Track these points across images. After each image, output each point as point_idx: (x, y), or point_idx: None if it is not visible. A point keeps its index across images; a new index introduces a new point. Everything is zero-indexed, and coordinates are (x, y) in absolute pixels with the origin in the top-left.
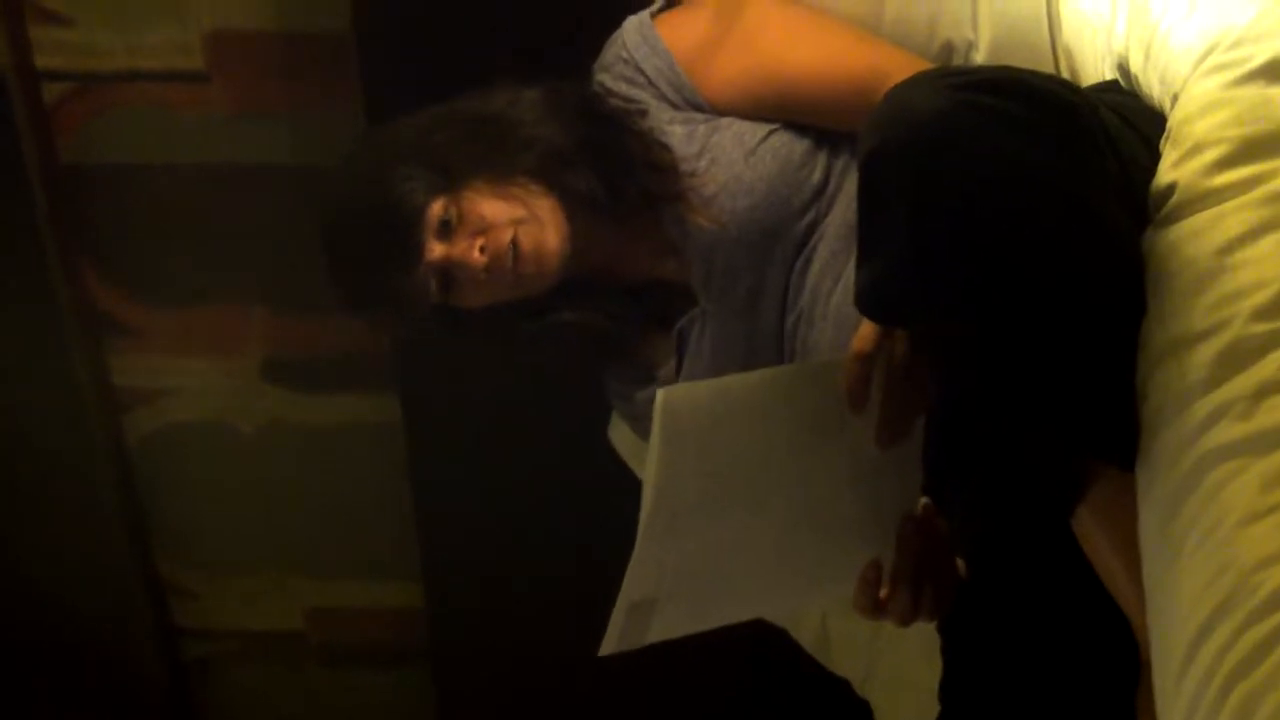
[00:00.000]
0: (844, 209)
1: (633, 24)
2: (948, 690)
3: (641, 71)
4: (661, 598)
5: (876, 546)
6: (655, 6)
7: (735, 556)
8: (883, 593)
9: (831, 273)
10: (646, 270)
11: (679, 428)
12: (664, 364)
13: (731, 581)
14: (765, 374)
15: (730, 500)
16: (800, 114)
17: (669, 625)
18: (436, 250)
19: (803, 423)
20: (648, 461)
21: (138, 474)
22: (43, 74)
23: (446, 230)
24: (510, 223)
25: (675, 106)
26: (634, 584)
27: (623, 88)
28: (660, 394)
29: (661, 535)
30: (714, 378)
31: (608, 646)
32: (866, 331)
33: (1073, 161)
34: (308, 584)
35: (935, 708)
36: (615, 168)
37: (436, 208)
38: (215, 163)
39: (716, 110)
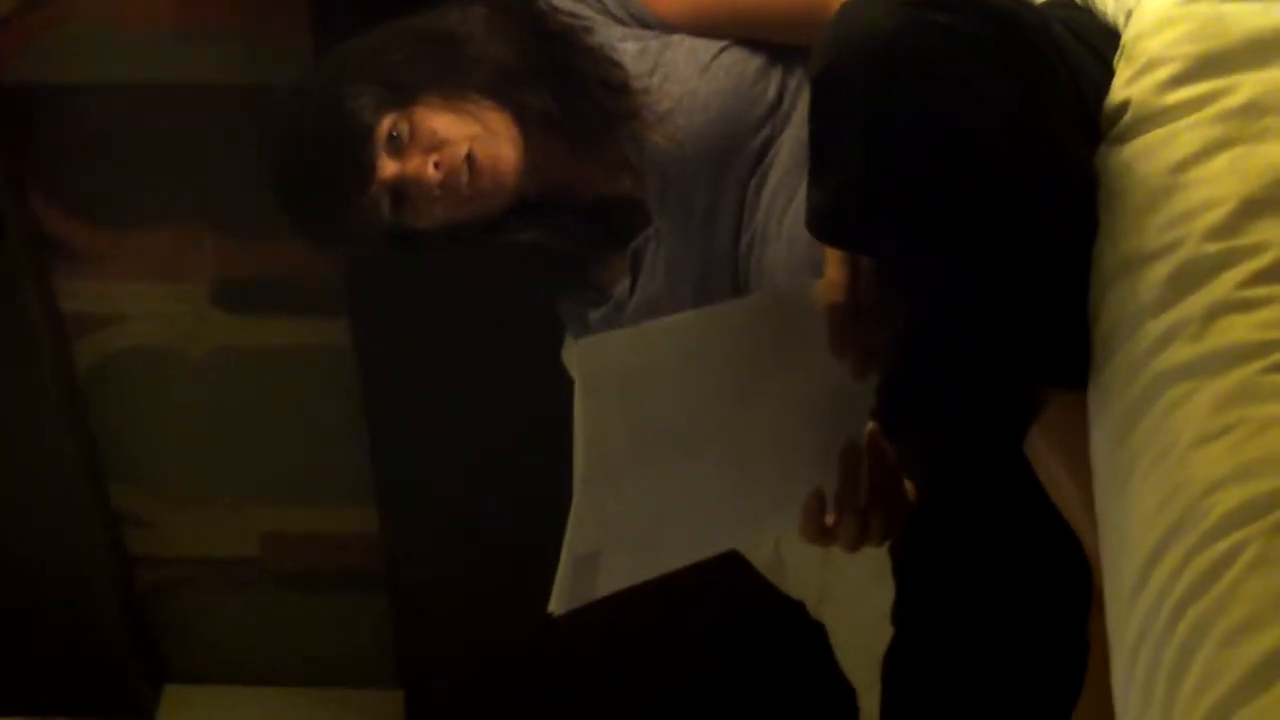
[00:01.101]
0: (798, 126)
1: None
2: (900, 614)
3: None
4: (605, 549)
5: (820, 475)
6: None
7: (677, 500)
8: (829, 519)
9: (785, 190)
10: (601, 188)
11: (600, 377)
12: (618, 283)
13: (676, 525)
14: (689, 316)
15: (664, 446)
16: (753, 31)
17: (617, 576)
18: (389, 168)
19: (732, 364)
20: (575, 414)
21: (88, 401)
22: None
23: (398, 146)
24: (465, 138)
25: (623, 24)
26: (576, 538)
27: (568, 4)
28: (578, 345)
29: (597, 486)
30: (646, 315)
31: (557, 604)
32: (835, 278)
33: (1026, 79)
34: (262, 510)
35: (888, 628)
36: (568, 85)
37: (387, 123)
38: (163, 82)
39: (667, 28)
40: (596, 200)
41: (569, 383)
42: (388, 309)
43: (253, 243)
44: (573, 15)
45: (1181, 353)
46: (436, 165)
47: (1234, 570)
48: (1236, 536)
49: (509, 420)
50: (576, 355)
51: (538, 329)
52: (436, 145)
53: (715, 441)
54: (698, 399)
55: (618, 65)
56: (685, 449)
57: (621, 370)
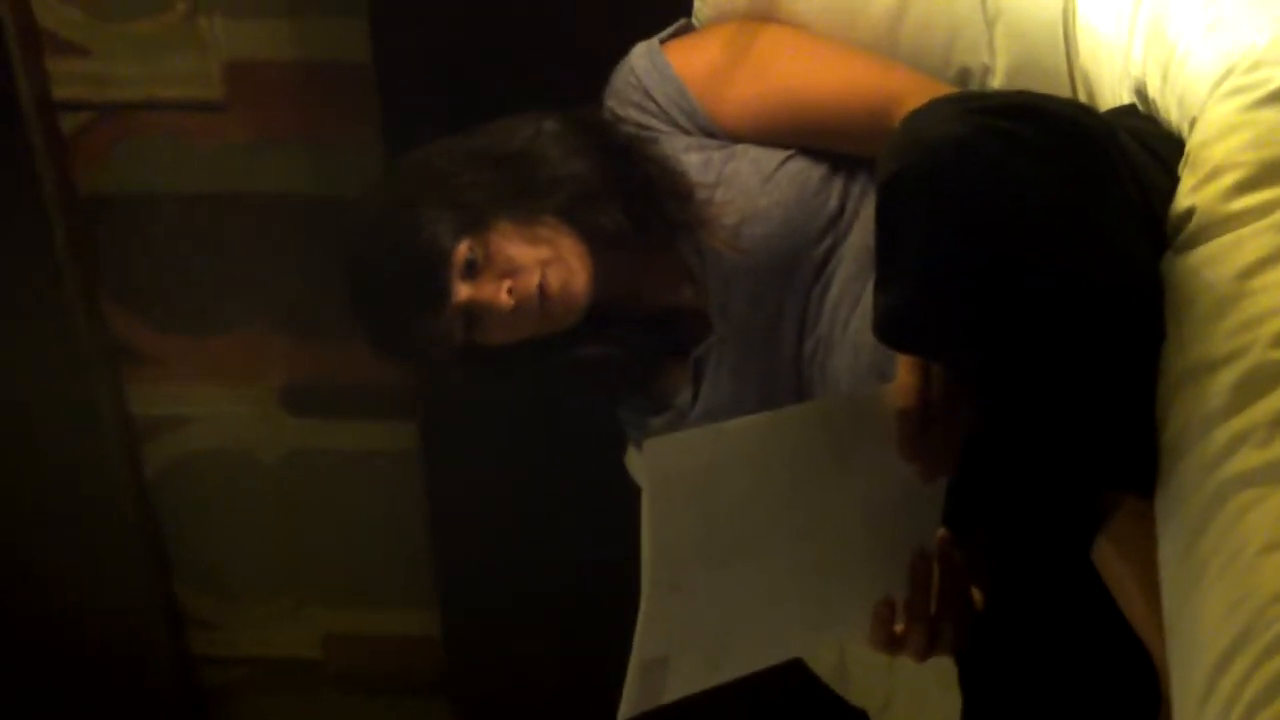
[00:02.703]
0: (861, 233)
1: (641, 50)
2: None
3: (652, 98)
4: (674, 654)
5: (889, 583)
6: (665, 33)
7: (744, 605)
8: (898, 628)
9: (849, 297)
10: (664, 298)
11: (669, 478)
12: (680, 392)
13: (743, 631)
14: (758, 418)
15: (733, 549)
16: (816, 139)
17: (685, 681)
18: (463, 292)
19: (802, 466)
20: (643, 515)
21: (157, 503)
22: (61, 104)
23: (472, 270)
24: (537, 264)
25: (687, 133)
26: (644, 643)
27: (633, 114)
28: (646, 445)
29: (665, 590)
30: (709, 423)
31: (626, 710)
32: (905, 383)
33: (1090, 187)
34: (325, 612)
35: None
36: (639, 199)
37: (463, 249)
38: (233, 191)
39: (730, 137)
40: (659, 311)
41: (633, 490)
42: (455, 415)
43: (321, 347)
44: (640, 126)
45: (1250, 459)
46: (510, 291)
47: None
48: None
49: (573, 527)
50: (645, 454)
51: (603, 437)
52: (510, 271)
53: (783, 546)
54: (766, 502)
55: (683, 175)
56: (753, 553)
57: (690, 471)
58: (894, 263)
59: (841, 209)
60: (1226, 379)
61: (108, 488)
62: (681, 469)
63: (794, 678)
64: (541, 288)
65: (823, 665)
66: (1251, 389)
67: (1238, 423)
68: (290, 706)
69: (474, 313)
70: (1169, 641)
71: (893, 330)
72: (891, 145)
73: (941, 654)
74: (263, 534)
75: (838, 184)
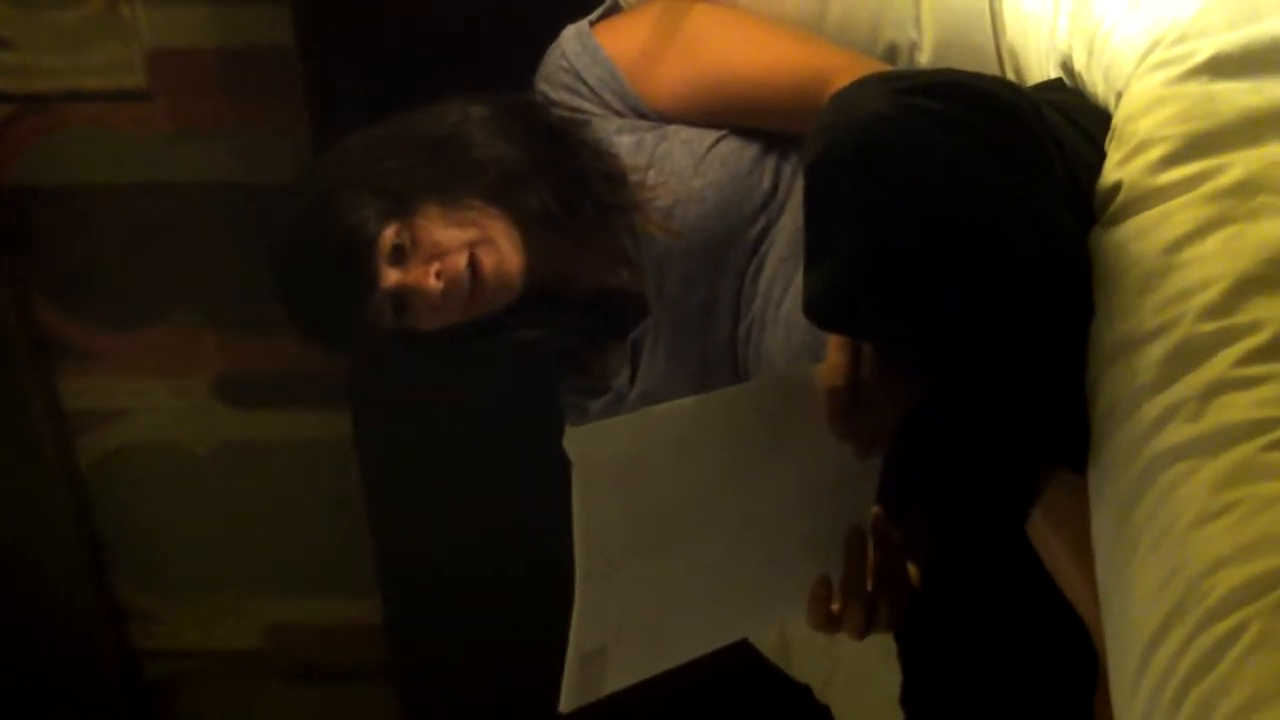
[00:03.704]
0: (794, 214)
1: (571, 33)
2: (908, 698)
3: (583, 81)
4: (612, 644)
5: (825, 562)
6: (594, 15)
7: (681, 591)
8: (835, 607)
9: (783, 277)
10: (599, 281)
11: (597, 466)
12: (618, 374)
13: (682, 617)
14: (684, 403)
15: (665, 535)
16: (747, 119)
17: (625, 671)
18: (391, 277)
19: (732, 450)
20: (573, 505)
21: (92, 497)
22: None
23: (400, 256)
24: (465, 246)
25: (619, 115)
26: (581, 634)
27: (565, 97)
28: (570, 434)
29: (598, 578)
30: (646, 405)
31: (567, 703)
32: (835, 363)
33: (1017, 164)
34: (266, 602)
35: (895, 711)
36: (569, 182)
37: (389, 234)
38: (161, 181)
39: (662, 118)
40: (595, 293)
41: (570, 469)
42: (388, 400)
43: (253, 337)
44: (571, 109)
45: (1180, 432)
46: (438, 275)
47: (1236, 650)
48: (1238, 616)
49: (512, 509)
50: (570, 444)
51: (539, 419)
52: (438, 254)
53: (718, 530)
54: (698, 486)
55: (615, 158)
56: (687, 538)
57: (618, 458)
58: (822, 243)
59: (775, 189)
60: (1156, 353)
61: (41, 483)
62: (608, 457)
63: (737, 654)
64: (473, 269)
65: (765, 642)
66: (1180, 362)
67: (1167, 396)
68: (234, 698)
69: (403, 298)
70: (1104, 615)
71: (821, 310)
72: (819, 124)
73: (879, 631)
74: (200, 526)
75: (770, 164)
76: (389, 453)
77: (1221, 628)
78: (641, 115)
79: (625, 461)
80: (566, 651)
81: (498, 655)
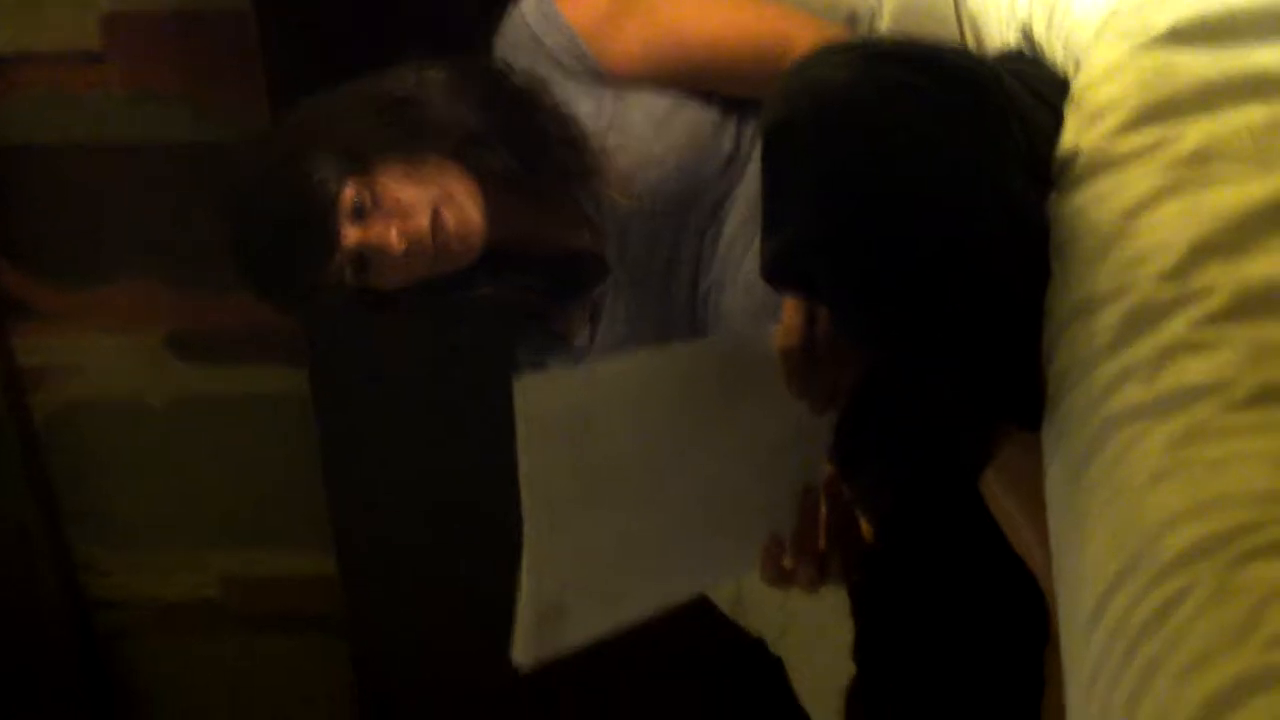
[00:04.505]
0: (755, 177)
1: None
2: (861, 653)
3: (542, 45)
4: (571, 599)
5: (779, 519)
6: None
7: (636, 547)
8: (787, 563)
9: (743, 239)
10: (561, 241)
11: (541, 418)
12: (579, 334)
13: (638, 571)
14: (634, 357)
15: (617, 490)
16: (707, 83)
17: (584, 627)
18: (352, 236)
19: (684, 407)
20: (518, 456)
21: (47, 452)
22: None
23: (360, 214)
24: (427, 203)
25: (578, 80)
26: (537, 588)
27: (524, 61)
28: (516, 385)
29: (545, 531)
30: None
31: (523, 655)
32: (791, 323)
33: (976, 130)
34: (222, 554)
35: (848, 665)
36: (529, 145)
37: (349, 192)
38: (116, 143)
39: (621, 83)
40: (556, 253)
41: None
42: (346, 357)
43: (210, 294)
44: (530, 73)
45: (1134, 395)
46: (400, 232)
47: (1185, 608)
48: (1189, 574)
49: (464, 462)
50: (516, 394)
51: (497, 376)
52: (400, 212)
53: (671, 486)
54: (649, 442)
55: (575, 122)
56: (639, 493)
57: (564, 411)
58: (779, 206)
59: (735, 152)
60: (1112, 316)
61: None
62: (555, 408)
63: (691, 609)
64: (435, 226)
65: (721, 595)
66: (1136, 325)
67: (1123, 359)
68: (188, 648)
69: (364, 257)
70: (1056, 571)
71: (778, 273)
72: (778, 91)
73: (831, 586)
74: (155, 480)
75: (730, 127)
76: (345, 407)
77: (1172, 585)
78: (601, 80)
79: (572, 412)
80: (517, 610)
81: (452, 608)
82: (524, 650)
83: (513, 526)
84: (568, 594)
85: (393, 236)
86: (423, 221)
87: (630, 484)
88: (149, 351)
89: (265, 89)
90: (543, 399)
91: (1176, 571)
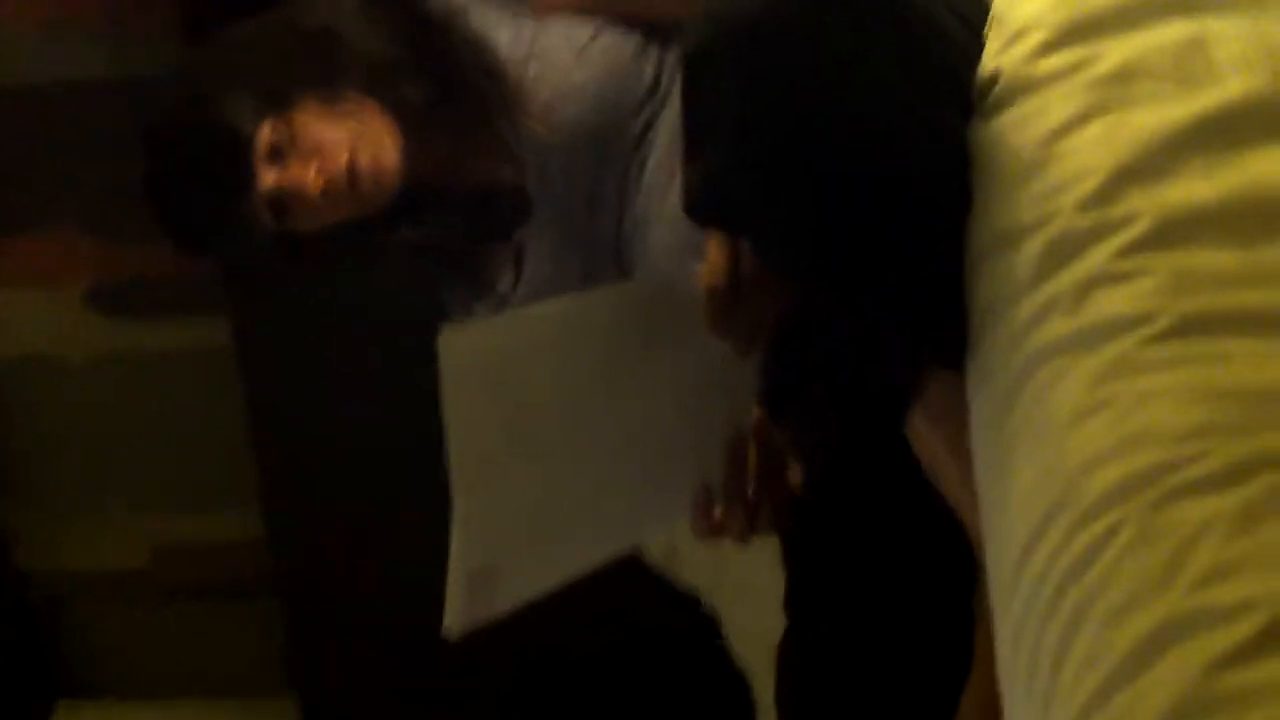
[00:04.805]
0: (678, 107)
1: None
2: (792, 601)
3: None
4: (500, 560)
5: (708, 467)
6: None
7: (565, 501)
8: (717, 512)
9: (665, 171)
10: (482, 178)
11: (466, 369)
12: (503, 276)
13: (570, 526)
14: (557, 302)
15: (543, 441)
16: (627, 5)
17: (517, 587)
18: (269, 177)
19: (612, 350)
20: (444, 410)
21: None
22: None
23: (278, 154)
24: (345, 142)
25: (496, 7)
26: (465, 550)
27: None
28: (440, 337)
29: (476, 488)
30: (508, 310)
31: (454, 622)
32: (715, 260)
33: (898, 51)
34: (149, 520)
35: (781, 616)
36: (446, 74)
37: (266, 132)
38: (25, 83)
39: (540, 9)
40: (477, 191)
41: None
42: (268, 305)
43: (128, 244)
44: (446, 0)
45: (1057, 328)
46: (318, 172)
47: (1112, 549)
48: (1115, 514)
49: (396, 419)
50: (440, 346)
51: (424, 325)
52: (317, 152)
53: (598, 435)
54: (575, 389)
55: (493, 51)
56: (566, 444)
57: (489, 360)
58: (700, 137)
59: (657, 81)
60: (1033, 247)
61: None
62: (478, 358)
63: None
64: (351, 166)
65: (652, 548)
66: (1057, 257)
67: (1044, 291)
68: (120, 616)
69: (282, 200)
70: (983, 514)
71: (699, 207)
72: (694, 15)
73: (763, 535)
74: (79, 442)
75: (652, 55)
76: (270, 362)
77: (1098, 526)
78: (520, 7)
79: (496, 363)
80: (448, 569)
81: (384, 570)
82: (455, 616)
83: (446, 485)
84: (498, 555)
85: (310, 178)
86: (340, 162)
87: (557, 434)
88: (68, 307)
89: (178, 21)
90: (465, 351)
91: (1102, 512)
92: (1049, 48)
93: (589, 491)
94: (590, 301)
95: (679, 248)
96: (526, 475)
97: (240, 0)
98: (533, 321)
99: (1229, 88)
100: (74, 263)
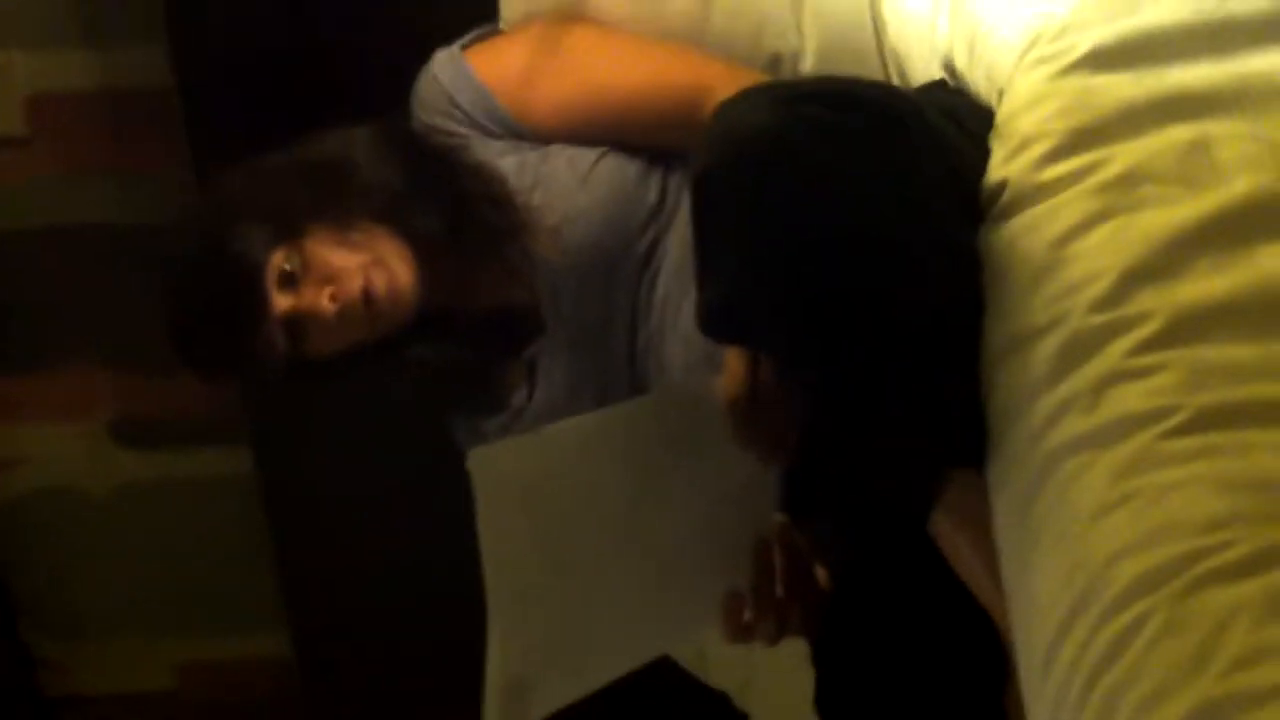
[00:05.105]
0: (684, 225)
1: (443, 58)
2: (822, 701)
3: (458, 106)
4: (534, 671)
5: (736, 573)
6: (466, 39)
7: (598, 610)
8: (748, 617)
9: (678, 288)
10: (495, 299)
11: (499, 488)
12: (517, 393)
13: (602, 637)
14: (585, 419)
15: (575, 556)
16: (630, 135)
17: (550, 698)
18: (283, 304)
19: (635, 465)
20: (479, 530)
21: None
22: None
23: (291, 281)
24: (358, 267)
25: (498, 138)
26: (502, 662)
27: (441, 122)
28: (471, 455)
29: (511, 606)
30: (545, 422)
31: None
32: (734, 372)
33: (902, 168)
34: (176, 643)
35: (812, 716)
36: (454, 204)
37: (277, 259)
38: (45, 226)
39: (542, 139)
40: (491, 311)
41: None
42: (287, 433)
43: (149, 378)
44: (449, 134)
45: (1075, 425)
46: (332, 298)
47: (1140, 640)
48: (1142, 605)
49: (415, 535)
50: (472, 465)
51: (443, 444)
52: (330, 277)
53: (627, 547)
54: (603, 502)
55: (500, 181)
56: (597, 557)
57: (520, 479)
58: (711, 257)
59: (662, 201)
60: (1048, 348)
61: None
62: (511, 477)
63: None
64: (366, 291)
65: (683, 651)
66: (1072, 356)
67: (1061, 390)
68: None
69: (297, 324)
70: (1010, 610)
71: (715, 324)
72: (703, 138)
73: (793, 637)
74: (104, 570)
75: (656, 176)
76: (292, 486)
77: (1125, 618)
78: (519, 137)
79: (529, 481)
80: (485, 682)
81: (414, 685)
82: None
83: (473, 596)
84: (533, 667)
85: (325, 302)
86: (354, 285)
87: (588, 548)
88: (91, 439)
89: (192, 164)
90: (498, 470)
91: (1128, 603)
92: (1055, 155)
93: (622, 601)
94: (615, 417)
95: (694, 363)
96: (560, 589)
97: (253, 141)
98: (560, 439)
99: (1234, 187)
100: (96, 396)
